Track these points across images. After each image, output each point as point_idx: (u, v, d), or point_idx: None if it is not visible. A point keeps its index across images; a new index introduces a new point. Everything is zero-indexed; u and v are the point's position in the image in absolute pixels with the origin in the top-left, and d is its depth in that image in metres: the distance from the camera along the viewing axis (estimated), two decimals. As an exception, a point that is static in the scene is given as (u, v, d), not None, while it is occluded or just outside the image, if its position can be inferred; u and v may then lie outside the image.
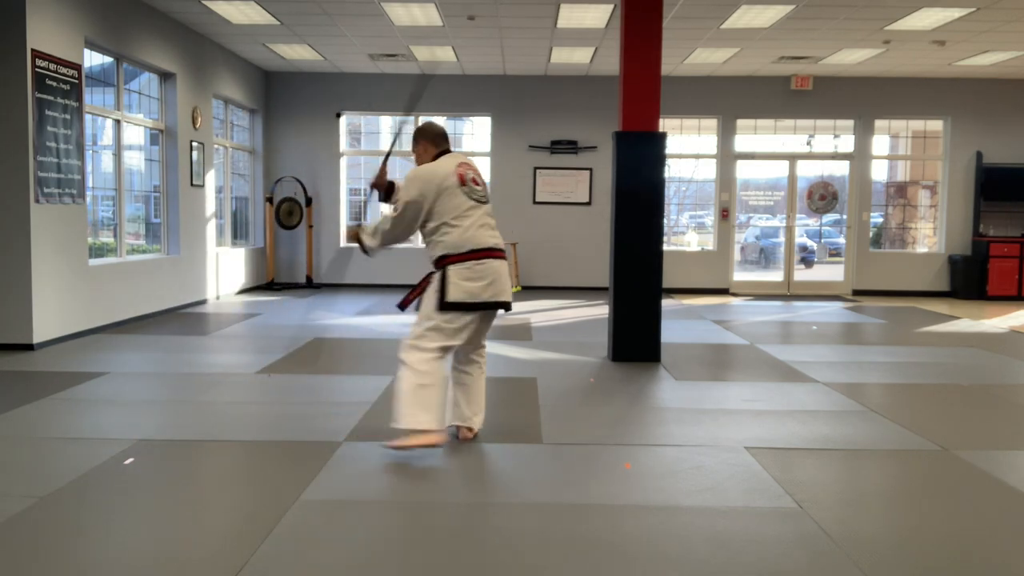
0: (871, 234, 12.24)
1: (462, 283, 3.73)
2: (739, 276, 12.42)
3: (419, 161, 3.98)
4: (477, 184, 3.88)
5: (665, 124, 11.17)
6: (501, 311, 3.95)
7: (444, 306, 3.73)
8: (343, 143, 12.10)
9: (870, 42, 9.42)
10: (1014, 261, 11.39)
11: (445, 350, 3.80)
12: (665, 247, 6.67)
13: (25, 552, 2.74)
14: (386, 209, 4.14)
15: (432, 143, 4.00)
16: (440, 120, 17.13)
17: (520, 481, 3.52)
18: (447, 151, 3.99)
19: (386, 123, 16.75)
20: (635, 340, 6.24)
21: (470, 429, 4.10)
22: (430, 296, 3.80)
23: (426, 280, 3.94)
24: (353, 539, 2.88)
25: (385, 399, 4.94)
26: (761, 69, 11.13)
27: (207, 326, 7.98)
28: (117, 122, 8.00)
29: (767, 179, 14.02)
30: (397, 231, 3.90)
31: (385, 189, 4.13)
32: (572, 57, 10.41)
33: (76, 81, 6.93)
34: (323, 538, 2.86)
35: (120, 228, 8.05)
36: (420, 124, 4.11)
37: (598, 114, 11.55)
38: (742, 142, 12.03)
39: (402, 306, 4.03)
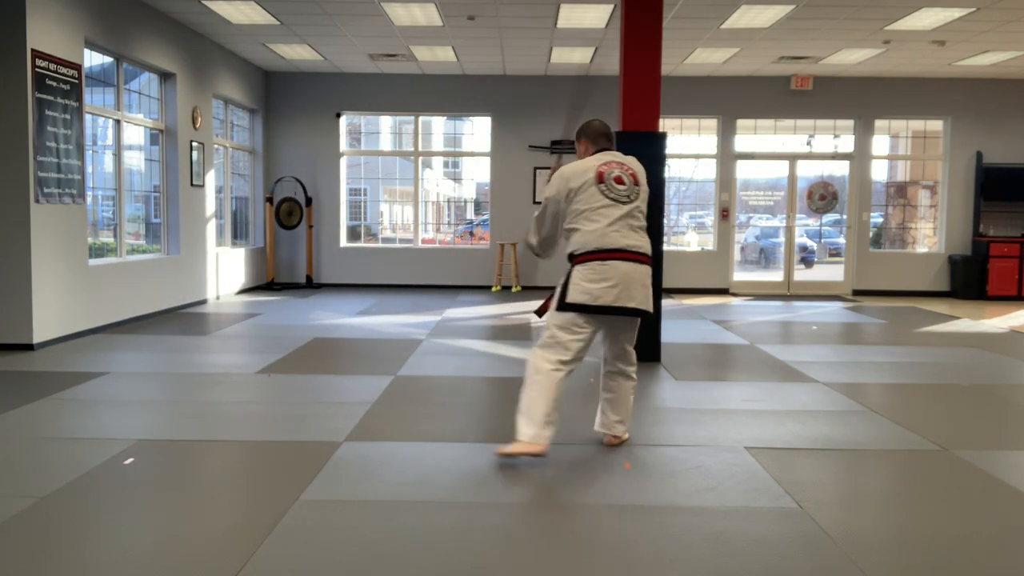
0: (871, 234, 12.24)
1: (583, 283, 3.59)
2: (739, 276, 12.43)
3: (578, 159, 3.90)
4: (621, 183, 3.68)
5: (665, 124, 11.18)
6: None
7: (563, 306, 3.64)
8: (343, 143, 12.10)
9: (870, 42, 9.43)
10: (1014, 261, 11.39)
11: (564, 363, 3.65)
12: (665, 247, 6.67)
13: (25, 552, 2.74)
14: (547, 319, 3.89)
15: (592, 142, 3.90)
16: (440, 120, 17.16)
17: (520, 481, 3.52)
18: (604, 149, 3.85)
19: (386, 123, 16.77)
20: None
21: (615, 436, 3.98)
22: (555, 296, 3.74)
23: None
24: (353, 539, 2.88)
25: (385, 399, 4.95)
26: (761, 69, 11.13)
27: (207, 326, 7.98)
28: (117, 122, 8.00)
29: (767, 179, 14.02)
30: (542, 228, 3.85)
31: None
32: (572, 57, 10.41)
33: (76, 81, 6.93)
34: (323, 538, 2.86)
35: (120, 228, 8.05)
36: (585, 121, 3.98)
37: (598, 114, 11.50)
38: (742, 142, 12.03)
39: (539, 312, 3.96)
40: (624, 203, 3.67)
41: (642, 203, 3.77)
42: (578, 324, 3.63)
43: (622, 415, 3.99)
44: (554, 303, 3.72)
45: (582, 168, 3.72)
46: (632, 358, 3.95)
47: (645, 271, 3.70)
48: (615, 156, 3.81)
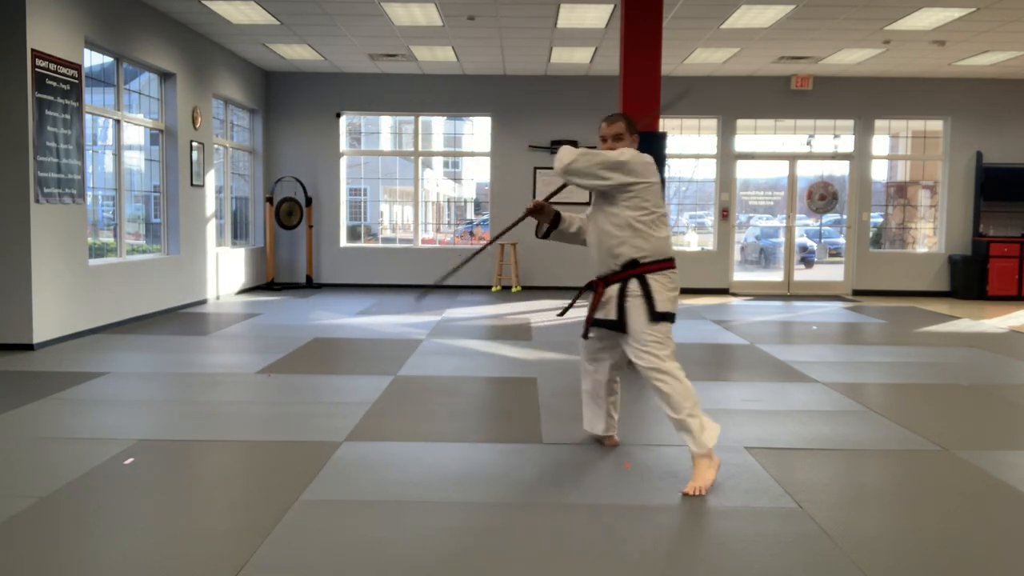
0: (871, 234, 12.24)
1: (667, 292, 3.51)
2: (739, 276, 12.42)
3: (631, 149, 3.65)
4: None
5: (665, 124, 11.16)
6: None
7: (659, 316, 3.47)
8: (343, 143, 12.10)
9: (870, 42, 9.43)
10: (1014, 261, 11.39)
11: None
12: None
13: (25, 552, 2.74)
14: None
15: (636, 138, 3.74)
16: (439, 120, 17.14)
17: (520, 481, 3.52)
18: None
19: (386, 123, 16.77)
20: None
21: (616, 436, 4.03)
22: (638, 310, 3.50)
23: (600, 293, 3.65)
24: (353, 539, 2.88)
25: (385, 399, 4.94)
26: (761, 69, 11.13)
27: (207, 326, 7.98)
28: (117, 122, 8.00)
29: (767, 179, 14.03)
30: (580, 164, 3.48)
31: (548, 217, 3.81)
32: (572, 57, 10.41)
33: (76, 81, 6.93)
34: (323, 538, 2.86)
35: (120, 228, 8.05)
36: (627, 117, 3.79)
37: (598, 114, 11.51)
38: (742, 142, 12.03)
39: (585, 335, 3.80)
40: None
41: None
42: (670, 331, 3.57)
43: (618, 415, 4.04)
44: (642, 316, 3.49)
45: (654, 168, 3.58)
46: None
47: None
48: None
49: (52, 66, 6.59)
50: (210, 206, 9.83)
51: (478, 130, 13.27)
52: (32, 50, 6.34)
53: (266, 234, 11.64)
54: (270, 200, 11.52)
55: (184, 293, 9.18)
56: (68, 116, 6.81)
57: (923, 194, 12.79)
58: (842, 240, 12.45)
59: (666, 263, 3.57)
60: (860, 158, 11.87)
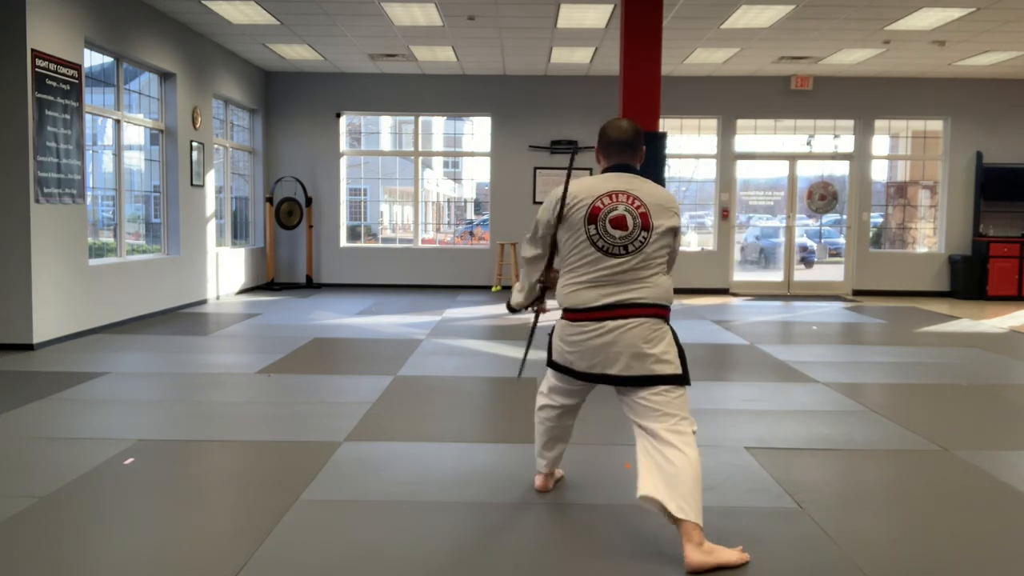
0: (871, 234, 12.24)
1: (558, 342, 3.02)
2: (739, 276, 12.42)
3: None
4: (620, 227, 2.77)
5: (665, 124, 11.18)
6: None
7: (548, 362, 3.20)
8: (343, 143, 12.10)
9: (870, 42, 9.43)
10: (1014, 261, 11.39)
11: (544, 408, 3.34)
12: (665, 247, 6.65)
13: (25, 552, 2.74)
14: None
15: (604, 153, 2.97)
16: (439, 120, 17.13)
17: (520, 481, 3.52)
18: (619, 168, 2.91)
19: (386, 123, 16.78)
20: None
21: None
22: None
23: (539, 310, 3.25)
24: (353, 539, 2.88)
25: (385, 399, 4.94)
26: (761, 69, 11.13)
27: (207, 326, 7.98)
28: (117, 122, 8.00)
29: (767, 179, 14.02)
30: (527, 255, 3.10)
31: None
32: (572, 57, 10.41)
33: (76, 81, 6.93)
34: (323, 538, 2.86)
35: (120, 228, 8.05)
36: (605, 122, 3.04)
37: (598, 114, 11.54)
38: (742, 142, 12.04)
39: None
40: (617, 256, 2.79)
41: (650, 253, 2.82)
42: (567, 382, 3.16)
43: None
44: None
45: (579, 194, 2.85)
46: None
47: (625, 330, 2.83)
48: (628, 183, 2.86)
49: (52, 66, 6.59)
50: (210, 206, 9.83)
51: (478, 130, 13.28)
52: (32, 50, 6.34)
53: (266, 234, 11.64)
54: (270, 200, 11.52)
55: (184, 293, 9.18)
56: (68, 116, 6.81)
57: (923, 194, 12.79)
58: (842, 240, 12.45)
59: (565, 312, 2.99)
60: (860, 158, 11.87)
